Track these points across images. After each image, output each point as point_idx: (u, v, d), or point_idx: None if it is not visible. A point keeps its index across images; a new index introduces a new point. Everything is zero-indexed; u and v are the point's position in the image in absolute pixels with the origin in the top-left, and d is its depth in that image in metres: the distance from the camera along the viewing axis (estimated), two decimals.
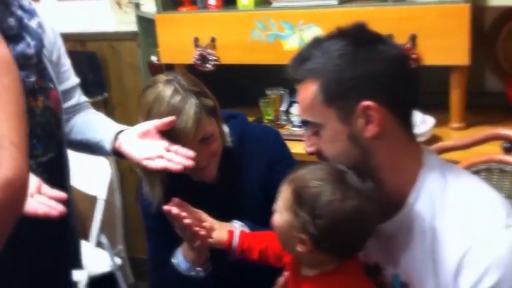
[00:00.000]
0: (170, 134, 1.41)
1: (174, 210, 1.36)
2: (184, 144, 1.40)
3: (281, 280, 1.25)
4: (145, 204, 1.54)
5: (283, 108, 2.47)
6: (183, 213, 1.36)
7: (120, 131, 1.50)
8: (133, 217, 3.12)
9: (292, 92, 2.38)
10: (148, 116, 1.44)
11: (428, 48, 2.07)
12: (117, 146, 1.48)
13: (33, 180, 1.20)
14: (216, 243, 1.36)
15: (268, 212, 1.25)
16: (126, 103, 3.13)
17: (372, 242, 1.17)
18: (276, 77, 2.54)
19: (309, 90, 1.14)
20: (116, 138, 1.49)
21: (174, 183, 1.54)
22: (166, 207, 1.36)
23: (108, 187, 2.63)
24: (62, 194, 1.23)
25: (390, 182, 1.15)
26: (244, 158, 1.59)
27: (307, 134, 1.20)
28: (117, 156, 1.51)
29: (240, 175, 1.58)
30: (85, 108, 1.71)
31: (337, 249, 1.12)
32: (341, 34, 1.16)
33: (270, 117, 2.39)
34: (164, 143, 1.40)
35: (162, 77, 1.48)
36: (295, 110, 2.34)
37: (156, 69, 2.61)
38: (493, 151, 1.58)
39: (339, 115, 1.12)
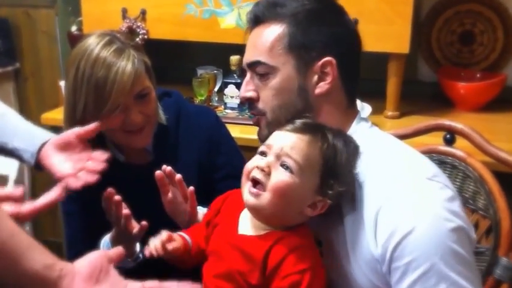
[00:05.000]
0: (103, 89, 1.31)
1: (117, 196, 1.26)
2: (118, 99, 1.32)
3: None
4: None
5: (215, 89, 2.36)
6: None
7: (44, 143, 1.35)
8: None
9: (226, 73, 2.29)
10: (76, 73, 1.33)
11: (368, 34, 2.00)
12: (40, 159, 1.34)
13: None
14: (175, 252, 1.19)
15: (202, 193, 1.24)
16: (40, 75, 2.95)
17: None
18: (208, 56, 2.49)
19: (273, 32, 1.14)
20: (39, 150, 1.34)
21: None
22: (110, 190, 1.26)
23: (18, 166, 2.49)
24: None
25: None
26: (180, 138, 1.51)
27: (248, 79, 1.19)
28: (38, 169, 1.36)
29: (175, 156, 1.49)
30: None
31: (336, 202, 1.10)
32: None
33: (203, 98, 2.28)
34: (87, 154, 1.30)
35: (96, 32, 1.38)
36: (229, 91, 2.24)
37: (76, 40, 2.42)
38: (434, 142, 1.56)
39: (296, 64, 1.13)
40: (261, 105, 1.17)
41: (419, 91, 2.39)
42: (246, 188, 1.06)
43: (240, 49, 2.23)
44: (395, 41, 2.04)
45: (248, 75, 1.19)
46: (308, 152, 1.05)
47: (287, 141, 1.06)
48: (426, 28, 2.39)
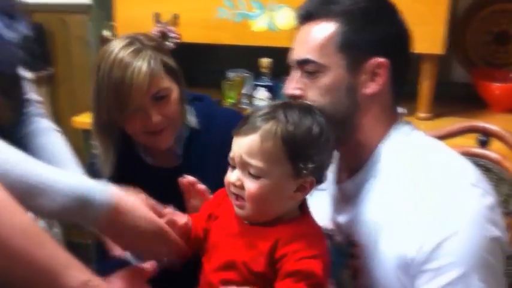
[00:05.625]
0: (121, 90, 1.33)
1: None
2: (135, 99, 1.33)
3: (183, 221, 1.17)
4: None
5: (245, 91, 2.36)
6: None
7: None
8: None
9: (257, 76, 2.29)
10: (98, 74, 1.35)
11: None
12: None
13: None
14: (181, 228, 1.22)
15: None
16: (72, 79, 2.98)
17: (331, 203, 1.21)
18: (238, 59, 2.49)
19: (324, 30, 1.12)
20: None
21: (129, 166, 1.47)
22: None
23: None
24: None
25: (360, 143, 1.15)
26: (210, 142, 1.51)
27: (295, 76, 1.16)
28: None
29: (204, 159, 1.50)
30: (38, 117, 1.43)
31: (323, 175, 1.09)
32: None
33: (233, 101, 2.29)
34: None
35: (122, 35, 1.42)
36: (259, 94, 2.24)
37: None
38: (467, 144, 1.54)
39: (347, 63, 1.11)
40: (307, 100, 1.14)
41: (453, 92, 2.35)
42: (232, 201, 1.09)
43: (270, 52, 2.27)
44: (429, 42, 2.01)
45: (295, 72, 1.17)
46: (265, 149, 1.03)
47: (243, 148, 1.04)
48: (460, 28, 2.35)
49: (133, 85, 1.32)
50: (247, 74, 2.37)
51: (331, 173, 1.25)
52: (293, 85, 1.16)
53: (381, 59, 1.11)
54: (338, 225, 1.21)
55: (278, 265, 1.02)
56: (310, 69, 1.13)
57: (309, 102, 1.10)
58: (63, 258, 0.90)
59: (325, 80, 1.12)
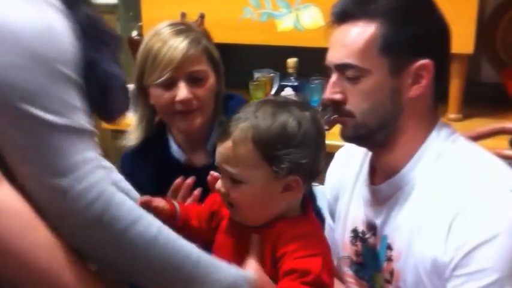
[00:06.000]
0: (155, 58, 1.39)
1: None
2: (166, 69, 1.38)
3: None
4: None
5: (272, 92, 2.35)
6: None
7: None
8: None
9: (283, 76, 2.28)
10: (141, 46, 1.43)
11: None
12: None
13: None
14: (159, 211, 1.19)
15: None
16: None
17: (363, 205, 1.19)
18: (265, 59, 2.48)
19: (365, 32, 1.07)
20: None
21: (163, 166, 1.49)
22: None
23: None
24: None
25: (400, 145, 1.12)
26: None
27: (335, 80, 1.11)
28: None
29: None
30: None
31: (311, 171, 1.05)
32: None
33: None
34: None
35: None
36: (286, 94, 2.23)
37: (137, 45, 2.46)
38: (499, 146, 1.51)
39: (390, 66, 1.07)
40: (349, 107, 1.11)
41: (482, 93, 2.31)
42: (227, 208, 1.10)
43: (296, 51, 2.26)
44: (458, 41, 1.92)
45: (335, 75, 1.12)
46: (239, 155, 1.01)
47: (220, 157, 1.04)
48: (490, 28, 2.31)
49: (168, 56, 1.37)
50: (273, 74, 2.37)
51: (362, 175, 1.23)
52: (333, 89, 1.11)
53: (425, 61, 1.06)
54: (372, 228, 1.19)
55: (279, 265, 1.01)
56: (351, 74, 1.08)
57: (290, 97, 1.08)
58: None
59: (367, 84, 1.08)
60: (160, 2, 2.32)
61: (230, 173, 1.02)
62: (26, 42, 0.82)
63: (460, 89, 2.10)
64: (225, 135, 1.03)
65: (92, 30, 0.92)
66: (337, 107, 1.12)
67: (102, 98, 0.95)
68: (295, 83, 2.20)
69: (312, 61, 2.07)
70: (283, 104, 1.04)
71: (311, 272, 0.98)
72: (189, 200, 1.31)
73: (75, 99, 0.87)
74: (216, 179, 1.25)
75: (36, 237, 0.85)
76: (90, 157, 0.87)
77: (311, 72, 2.19)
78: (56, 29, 0.85)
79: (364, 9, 1.07)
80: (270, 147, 1.00)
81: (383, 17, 1.06)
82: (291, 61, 2.21)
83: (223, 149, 1.03)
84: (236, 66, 2.60)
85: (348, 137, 1.14)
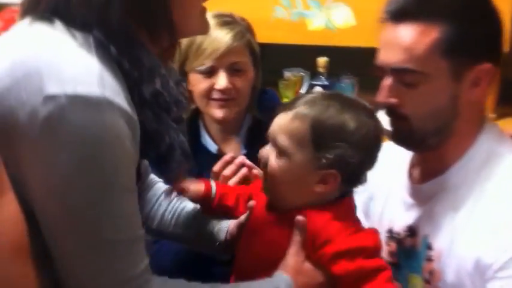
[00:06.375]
0: (199, 47, 1.43)
1: None
2: (208, 58, 1.42)
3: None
4: None
5: (302, 91, 2.36)
6: None
7: None
8: None
9: (313, 75, 2.28)
10: (190, 38, 1.43)
11: None
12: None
13: None
14: (194, 194, 1.24)
15: None
16: None
17: (401, 204, 1.17)
18: (295, 58, 2.48)
19: (427, 35, 1.02)
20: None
21: (195, 156, 1.47)
22: None
23: None
24: None
25: (450, 147, 1.09)
26: None
27: (391, 83, 1.07)
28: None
29: None
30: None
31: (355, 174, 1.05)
32: None
33: (289, 100, 2.28)
34: None
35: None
36: None
37: None
38: None
39: (451, 70, 1.03)
40: (405, 111, 1.07)
41: None
42: (262, 180, 1.11)
43: (327, 51, 2.25)
44: None
45: (390, 78, 1.07)
46: (292, 127, 1.02)
47: (276, 125, 1.05)
48: None
49: (211, 46, 1.42)
50: (303, 74, 2.37)
51: (400, 175, 1.22)
52: (387, 93, 1.07)
53: (487, 65, 1.03)
54: (410, 228, 1.17)
55: (316, 249, 1.02)
56: (409, 79, 1.04)
57: (360, 100, 1.06)
58: None
59: (427, 88, 1.04)
60: (191, 1, 2.33)
61: (278, 142, 1.04)
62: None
63: (494, 88, 2.07)
64: (288, 108, 1.04)
65: (153, 106, 0.88)
66: (391, 111, 1.09)
67: (162, 167, 0.97)
68: (326, 83, 2.20)
69: (343, 60, 2.07)
70: (353, 104, 1.04)
71: (367, 248, 1.01)
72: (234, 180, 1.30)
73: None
74: (248, 168, 1.28)
75: None
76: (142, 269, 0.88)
77: (341, 71, 2.18)
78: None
79: (425, 9, 1.03)
80: (322, 134, 1.00)
81: (447, 18, 1.02)
82: (322, 60, 2.21)
83: (281, 119, 1.04)
84: (267, 65, 2.61)
85: (401, 140, 1.12)
